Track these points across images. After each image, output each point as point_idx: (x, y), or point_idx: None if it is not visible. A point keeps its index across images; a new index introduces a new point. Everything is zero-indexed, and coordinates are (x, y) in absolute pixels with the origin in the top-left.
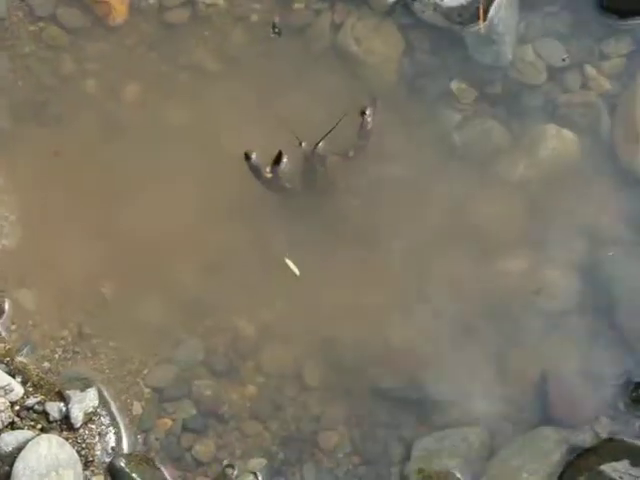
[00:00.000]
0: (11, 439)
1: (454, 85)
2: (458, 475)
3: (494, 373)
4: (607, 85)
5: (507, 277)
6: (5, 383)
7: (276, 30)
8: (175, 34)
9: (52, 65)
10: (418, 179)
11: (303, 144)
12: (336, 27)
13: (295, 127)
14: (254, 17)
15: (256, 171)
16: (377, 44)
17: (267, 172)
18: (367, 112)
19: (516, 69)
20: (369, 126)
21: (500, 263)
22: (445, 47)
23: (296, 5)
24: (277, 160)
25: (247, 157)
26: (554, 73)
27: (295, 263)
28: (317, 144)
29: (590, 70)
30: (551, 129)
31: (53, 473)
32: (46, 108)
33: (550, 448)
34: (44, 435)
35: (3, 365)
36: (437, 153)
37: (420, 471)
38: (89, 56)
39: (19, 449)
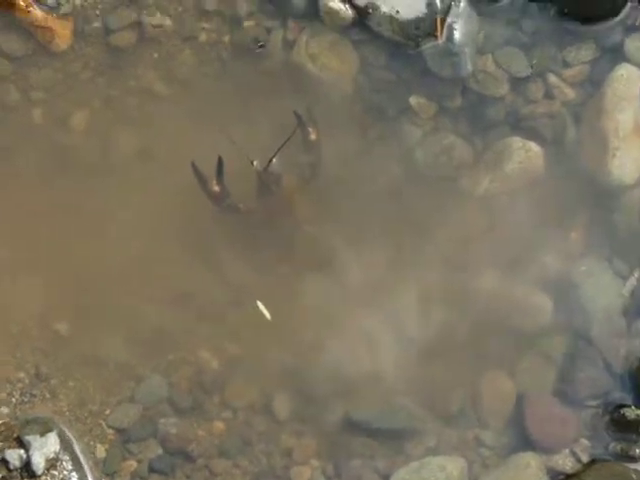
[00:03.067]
0: None
1: (413, 100)
2: None
3: (468, 397)
4: (571, 94)
5: (477, 297)
6: None
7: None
8: (122, 57)
9: None
10: (379, 197)
11: (255, 162)
12: (289, 44)
13: (247, 147)
14: (203, 37)
15: (203, 183)
16: (333, 61)
17: (214, 184)
18: (304, 123)
19: (476, 81)
20: (312, 137)
21: (469, 282)
22: (403, 61)
23: (246, 23)
24: (219, 168)
25: (193, 167)
26: (516, 83)
27: (257, 292)
28: (270, 161)
29: (553, 79)
30: (516, 142)
31: None
32: None
33: (532, 474)
34: None
35: None
36: (399, 170)
37: None
38: (34, 84)
39: None
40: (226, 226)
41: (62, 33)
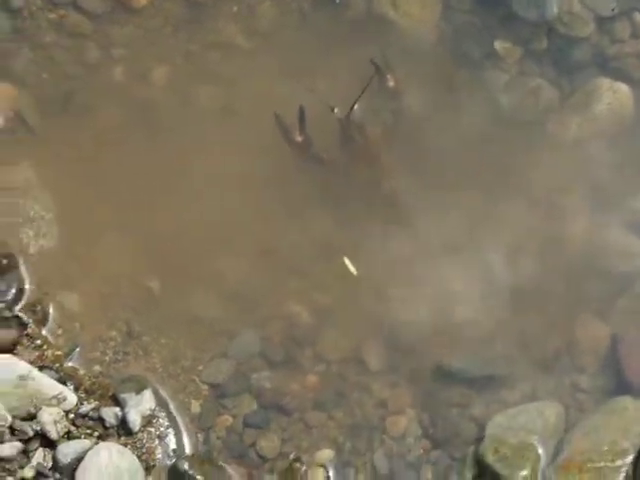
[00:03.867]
0: (69, 450)
1: (498, 44)
2: (539, 451)
3: (563, 343)
4: None
5: (570, 241)
6: (57, 392)
7: None
8: (202, 12)
9: (76, 54)
10: (465, 144)
11: (336, 110)
12: None
13: (329, 97)
14: None
15: (287, 133)
16: (414, 7)
17: (297, 134)
18: (381, 70)
19: (562, 22)
20: (391, 84)
21: (561, 228)
22: (487, 5)
23: None
24: (301, 117)
25: (276, 117)
26: (602, 23)
27: (345, 244)
28: (351, 109)
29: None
30: (604, 83)
31: None
32: (74, 99)
33: (629, 418)
34: (103, 444)
35: (53, 372)
36: (484, 116)
37: (496, 450)
38: (114, 41)
39: (78, 460)
40: (310, 179)
41: None
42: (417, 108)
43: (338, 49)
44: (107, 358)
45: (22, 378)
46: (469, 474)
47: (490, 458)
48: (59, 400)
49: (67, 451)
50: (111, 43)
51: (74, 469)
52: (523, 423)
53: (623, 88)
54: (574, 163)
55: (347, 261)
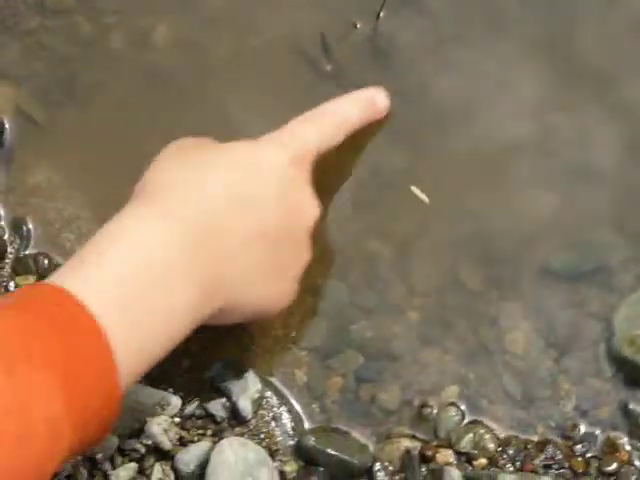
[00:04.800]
0: (189, 457)
1: None
2: None
3: None
4: None
5: None
6: (158, 398)
7: None
8: None
9: (66, 33)
10: None
11: (358, 25)
12: None
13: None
14: None
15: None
16: None
17: (325, 64)
18: None
19: None
20: None
21: None
22: None
23: None
24: (325, 46)
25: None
26: None
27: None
28: (378, 16)
29: None
30: None
31: (249, 479)
32: (77, 82)
33: None
34: (222, 441)
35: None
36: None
37: (632, 342)
38: (103, 9)
39: (201, 465)
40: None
41: None
42: None
43: None
44: (194, 348)
45: None
46: (608, 372)
47: (627, 351)
48: (162, 406)
49: (187, 458)
50: (100, 12)
51: (200, 475)
52: None
53: None
54: None
55: (415, 190)
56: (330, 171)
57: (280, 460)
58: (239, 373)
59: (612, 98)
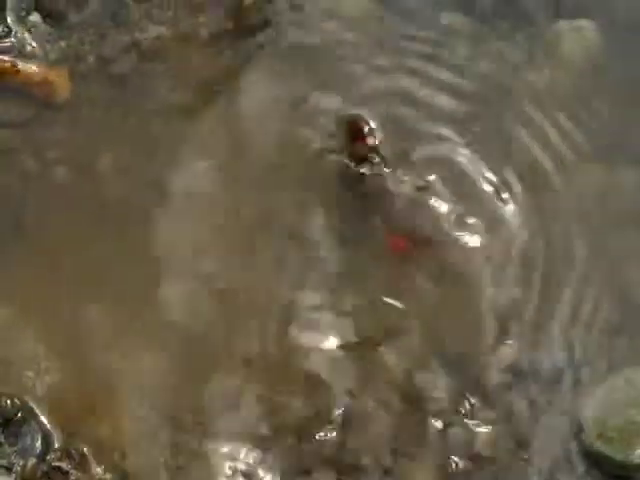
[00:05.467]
0: None
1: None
2: None
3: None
4: None
5: None
6: None
7: None
8: (130, 83)
9: (11, 170)
10: None
11: None
12: None
13: None
14: (203, 32)
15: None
16: None
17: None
18: None
19: None
20: None
21: None
22: None
23: None
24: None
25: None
26: None
27: None
28: None
29: None
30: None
31: None
32: (24, 220)
33: None
34: None
35: None
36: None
37: (600, 435)
38: (47, 145)
39: None
40: None
41: (59, 82)
42: None
43: None
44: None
45: None
46: (581, 469)
47: (597, 445)
48: None
49: None
50: (44, 147)
51: None
52: (616, 399)
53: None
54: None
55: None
56: None
57: None
58: None
59: None
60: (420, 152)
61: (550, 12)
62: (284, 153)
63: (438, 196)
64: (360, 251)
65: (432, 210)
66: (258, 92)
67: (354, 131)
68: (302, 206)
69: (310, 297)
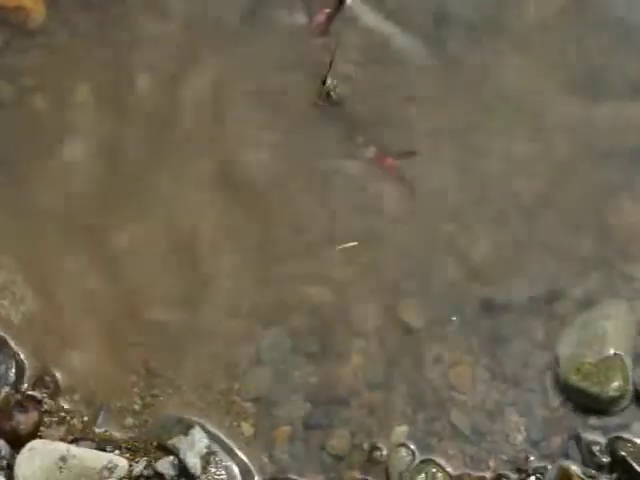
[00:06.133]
0: None
1: None
2: (622, 356)
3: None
4: None
5: None
6: (106, 462)
7: None
8: (104, 9)
9: None
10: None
11: None
12: None
13: None
14: None
15: None
16: None
17: None
18: None
19: None
20: None
21: None
22: None
23: None
24: None
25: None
26: None
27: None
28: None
29: None
30: None
31: None
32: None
33: None
34: None
35: (89, 442)
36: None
37: (577, 370)
38: (24, 71)
39: None
40: None
41: (35, 7)
42: None
43: None
44: (136, 407)
45: (63, 459)
46: (556, 401)
47: (574, 379)
48: (110, 470)
49: None
50: (21, 74)
51: None
52: (593, 332)
53: None
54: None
55: (344, 246)
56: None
57: None
58: (185, 429)
59: None
60: None
61: None
62: None
63: None
64: None
65: None
66: None
67: None
68: None
69: None
